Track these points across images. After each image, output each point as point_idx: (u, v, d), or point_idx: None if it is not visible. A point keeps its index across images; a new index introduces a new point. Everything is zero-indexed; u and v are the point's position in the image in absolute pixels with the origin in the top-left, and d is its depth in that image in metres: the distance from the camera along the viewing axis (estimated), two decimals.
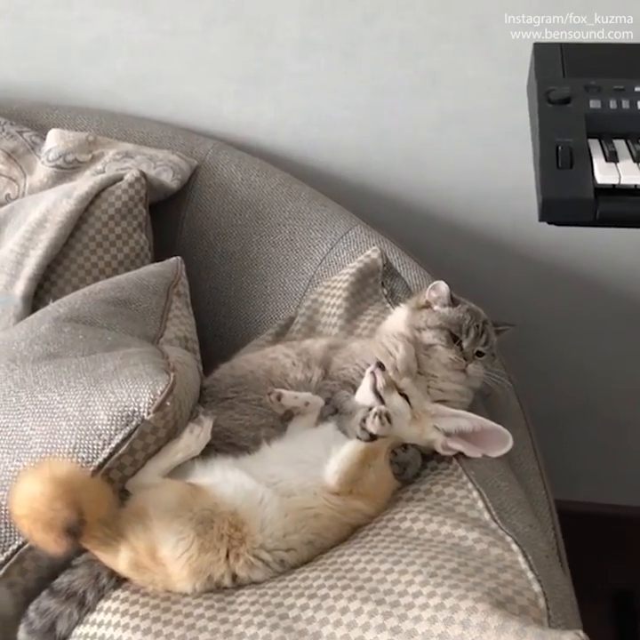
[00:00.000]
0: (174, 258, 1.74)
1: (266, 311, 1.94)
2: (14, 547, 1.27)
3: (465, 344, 1.48)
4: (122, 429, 1.25)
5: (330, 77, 2.06)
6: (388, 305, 1.68)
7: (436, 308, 1.53)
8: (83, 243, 1.82)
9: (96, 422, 1.25)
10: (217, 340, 1.92)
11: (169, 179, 1.99)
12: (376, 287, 1.71)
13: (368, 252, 1.76)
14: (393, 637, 1.03)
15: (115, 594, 1.24)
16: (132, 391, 1.25)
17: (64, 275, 1.81)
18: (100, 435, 1.25)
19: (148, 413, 1.24)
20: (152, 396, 1.24)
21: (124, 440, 1.25)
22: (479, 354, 1.49)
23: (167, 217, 2.02)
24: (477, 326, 1.49)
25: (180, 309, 1.63)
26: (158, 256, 1.91)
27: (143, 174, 1.89)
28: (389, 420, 1.25)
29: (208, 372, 1.59)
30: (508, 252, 2.16)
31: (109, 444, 1.25)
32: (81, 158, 2.01)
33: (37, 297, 1.78)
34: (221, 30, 2.06)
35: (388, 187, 2.14)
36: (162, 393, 1.25)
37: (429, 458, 1.37)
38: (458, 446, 1.35)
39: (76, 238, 1.82)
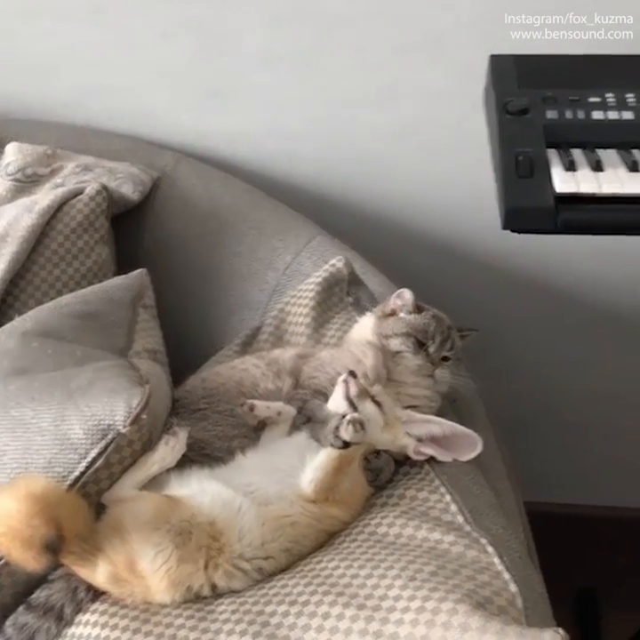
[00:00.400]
0: (139, 270, 1.74)
1: (230, 322, 1.95)
2: None
3: (431, 349, 1.50)
4: (97, 443, 1.25)
5: (289, 89, 2.08)
6: (354, 313, 1.70)
7: (401, 315, 1.56)
8: (45, 257, 1.82)
9: (71, 437, 1.26)
10: (180, 351, 1.91)
11: (130, 191, 1.99)
12: (341, 296, 1.73)
13: (333, 261, 1.77)
14: None
15: (93, 607, 1.24)
16: (107, 405, 1.26)
17: (27, 289, 1.80)
18: (76, 449, 1.25)
19: (124, 426, 1.25)
20: (127, 410, 1.25)
21: (99, 454, 1.25)
22: (445, 359, 1.51)
23: (129, 229, 2.02)
24: (443, 332, 1.52)
25: (147, 322, 1.64)
26: (120, 269, 1.91)
27: (104, 187, 1.90)
28: (363, 427, 1.27)
29: (175, 384, 1.59)
30: (468, 259, 2.20)
31: (85, 458, 1.25)
32: (40, 172, 2.00)
33: (0, 311, 1.77)
34: (181, 42, 2.07)
35: (347, 196, 2.16)
36: (137, 406, 1.25)
37: (401, 463, 1.39)
38: (429, 451, 1.37)
39: (38, 252, 1.82)
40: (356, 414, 1.28)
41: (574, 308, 2.22)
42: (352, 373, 1.36)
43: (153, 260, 1.97)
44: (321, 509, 1.27)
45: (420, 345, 1.50)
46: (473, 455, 1.37)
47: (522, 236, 2.13)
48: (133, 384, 1.30)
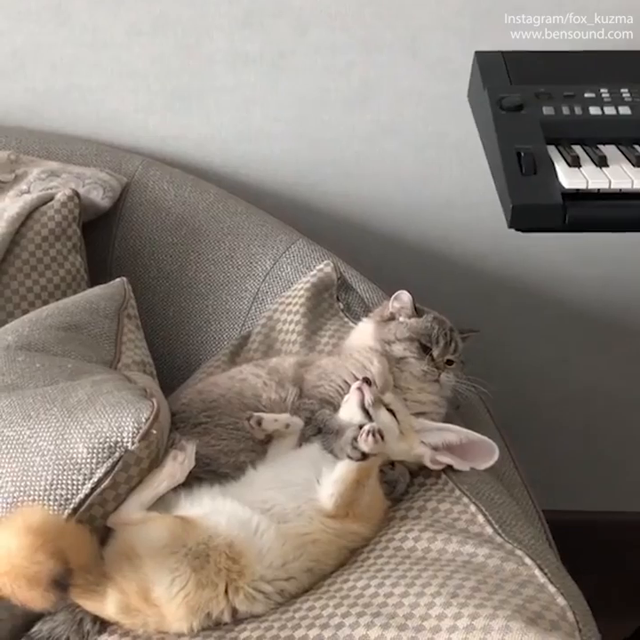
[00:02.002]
0: (120, 279, 1.66)
1: (208, 331, 1.88)
2: None
3: (435, 353, 1.45)
4: (104, 462, 1.16)
5: (260, 90, 2.02)
6: (346, 319, 1.64)
7: (401, 319, 1.50)
8: (16, 267, 1.72)
9: (74, 456, 1.17)
10: (155, 363, 1.83)
11: (99, 197, 1.90)
12: (331, 302, 1.67)
13: (320, 266, 1.72)
14: None
15: (101, 639, 1.15)
16: (113, 420, 1.17)
17: None
18: (80, 469, 1.16)
19: (133, 443, 1.16)
20: (136, 425, 1.16)
21: (106, 473, 1.16)
22: (449, 362, 1.47)
23: (98, 237, 1.93)
24: (445, 334, 1.47)
25: (132, 332, 1.55)
26: (90, 279, 1.83)
27: (76, 193, 1.81)
28: (382, 438, 1.21)
29: None
30: (443, 261, 2.16)
31: (91, 478, 1.16)
32: (3, 178, 1.90)
33: None
34: (146, 42, 1.99)
35: (322, 199, 2.10)
36: (147, 420, 1.17)
37: (416, 474, 1.33)
38: (447, 460, 1.31)
39: (8, 262, 1.72)
40: (374, 424, 1.22)
41: (547, 307, 2.19)
42: (366, 380, 1.30)
43: (124, 269, 1.89)
44: (342, 525, 1.21)
45: (424, 349, 1.45)
46: (490, 463, 1.32)
47: (497, 235, 2.11)
48: (139, 397, 1.21)
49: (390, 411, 1.31)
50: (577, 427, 2.28)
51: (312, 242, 1.89)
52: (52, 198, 1.79)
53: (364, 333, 1.51)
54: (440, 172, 2.07)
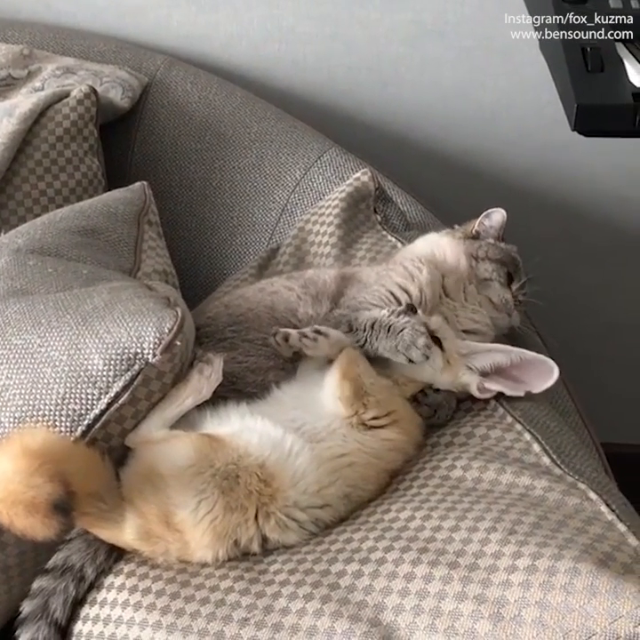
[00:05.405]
0: (140, 183, 1.53)
1: (232, 244, 1.77)
2: None
3: (515, 287, 1.34)
4: (122, 375, 1.05)
5: None
6: (385, 232, 1.52)
7: (489, 240, 1.37)
8: (28, 168, 1.62)
9: (89, 368, 1.06)
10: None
11: (118, 97, 1.78)
12: (368, 213, 1.55)
13: (357, 174, 1.60)
14: (479, 607, 0.88)
15: (118, 567, 1.06)
16: (133, 330, 1.06)
17: (8, 204, 1.60)
18: (95, 382, 1.05)
19: (154, 355, 1.05)
20: (158, 335, 1.05)
21: (124, 388, 1.05)
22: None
23: (116, 141, 1.82)
24: (525, 272, 1.37)
25: (153, 240, 1.43)
26: (107, 185, 1.71)
27: (94, 90, 1.68)
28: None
29: None
30: (484, 176, 2.02)
31: (107, 393, 1.05)
32: (15, 74, 1.79)
33: None
34: None
35: (356, 106, 1.97)
36: (170, 331, 1.05)
37: (462, 399, 1.22)
38: (496, 387, 1.18)
39: (20, 163, 1.62)
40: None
41: (592, 229, 2.05)
42: (411, 308, 1.19)
43: (143, 175, 1.77)
44: (374, 439, 1.10)
45: (509, 279, 1.33)
46: (549, 384, 1.18)
47: (544, 150, 1.97)
48: (162, 306, 1.10)
49: (435, 338, 1.18)
50: (622, 357, 2.15)
51: (345, 151, 1.77)
52: (67, 95, 1.68)
53: (433, 245, 1.37)
54: (485, 80, 1.92)
